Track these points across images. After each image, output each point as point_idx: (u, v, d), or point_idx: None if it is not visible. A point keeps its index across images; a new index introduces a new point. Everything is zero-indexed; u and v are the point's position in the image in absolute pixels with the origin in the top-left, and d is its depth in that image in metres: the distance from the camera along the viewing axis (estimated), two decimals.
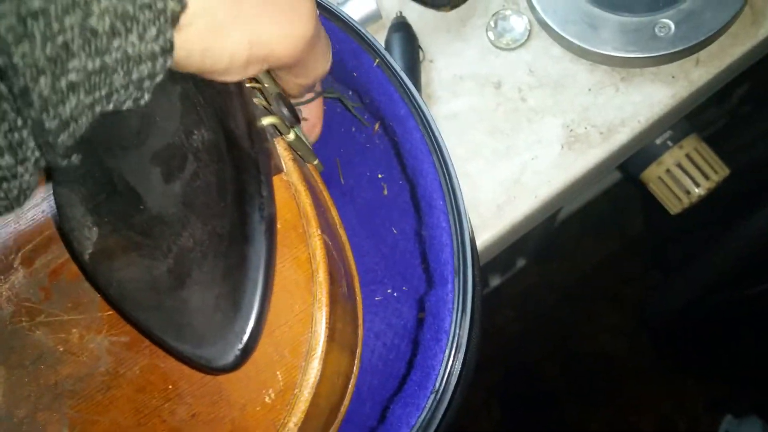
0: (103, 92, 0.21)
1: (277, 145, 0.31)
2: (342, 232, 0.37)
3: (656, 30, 0.49)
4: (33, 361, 0.32)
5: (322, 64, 0.30)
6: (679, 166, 0.66)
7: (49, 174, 0.30)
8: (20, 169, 0.21)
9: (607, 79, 0.51)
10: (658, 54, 0.49)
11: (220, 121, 0.27)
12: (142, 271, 0.27)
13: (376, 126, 0.39)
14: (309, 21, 0.26)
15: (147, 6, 0.21)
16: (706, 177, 0.66)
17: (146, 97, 0.23)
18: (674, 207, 0.67)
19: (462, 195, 0.31)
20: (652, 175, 0.66)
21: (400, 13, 0.52)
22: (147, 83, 0.22)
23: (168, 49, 0.22)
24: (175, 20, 0.22)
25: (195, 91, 0.28)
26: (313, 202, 0.31)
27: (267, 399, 0.28)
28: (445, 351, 0.30)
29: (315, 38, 0.27)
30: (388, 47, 0.50)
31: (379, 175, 0.39)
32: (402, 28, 0.50)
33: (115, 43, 0.21)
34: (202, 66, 0.24)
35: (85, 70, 0.20)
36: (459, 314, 0.30)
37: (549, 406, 1.03)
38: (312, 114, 0.35)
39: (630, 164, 0.66)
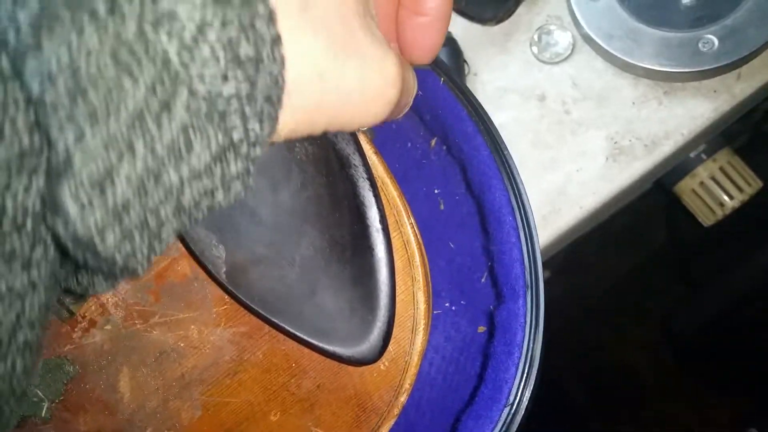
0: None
1: (361, 140, 0.33)
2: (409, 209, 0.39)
3: (700, 45, 0.49)
4: (156, 358, 0.34)
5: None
6: (713, 178, 0.66)
7: None
8: None
9: (651, 93, 0.51)
10: (702, 69, 0.49)
11: (328, 139, 0.29)
12: (275, 282, 0.30)
13: (432, 142, 0.39)
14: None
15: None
16: (740, 190, 0.66)
17: (230, 197, 0.21)
18: (707, 219, 0.68)
19: (532, 210, 0.32)
20: (686, 187, 0.66)
21: None
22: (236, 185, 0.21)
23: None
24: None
25: None
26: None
27: (382, 367, 0.33)
28: (518, 365, 0.30)
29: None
30: None
31: (435, 191, 0.39)
32: (447, 42, 0.51)
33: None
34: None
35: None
36: (532, 328, 0.30)
37: (572, 420, 1.03)
38: None
39: (664, 177, 0.66)
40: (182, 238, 0.32)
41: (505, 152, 0.33)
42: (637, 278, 0.99)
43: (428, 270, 0.35)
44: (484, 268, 0.35)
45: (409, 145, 0.40)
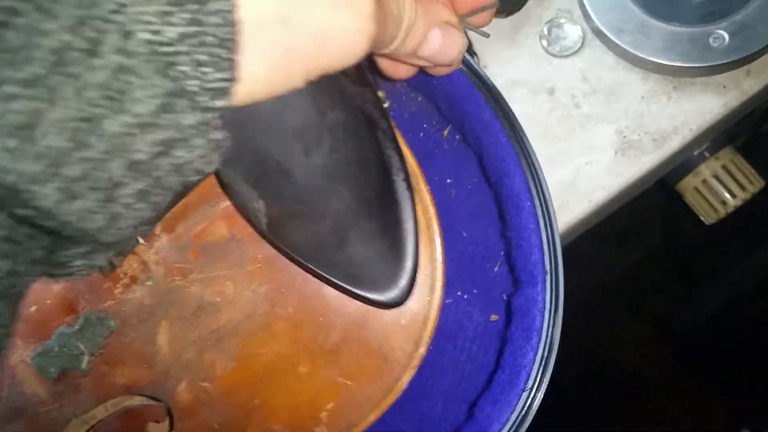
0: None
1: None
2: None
3: (710, 40, 0.49)
4: (193, 312, 0.36)
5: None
6: (716, 177, 0.66)
7: None
8: None
9: (660, 88, 0.51)
10: (712, 64, 0.49)
11: (357, 105, 0.30)
12: (309, 234, 0.32)
13: (445, 132, 0.39)
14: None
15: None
16: (743, 188, 0.66)
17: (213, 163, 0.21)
18: (709, 217, 0.68)
19: (551, 196, 0.32)
20: (689, 185, 0.66)
21: None
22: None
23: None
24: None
25: (324, 79, 0.30)
26: None
27: (402, 321, 0.35)
28: (537, 349, 0.30)
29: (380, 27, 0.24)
30: None
31: (448, 180, 0.39)
32: None
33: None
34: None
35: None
36: (551, 313, 0.30)
37: (573, 417, 1.03)
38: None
39: (666, 174, 0.67)
40: (227, 192, 0.33)
41: (524, 138, 0.33)
42: (637, 276, 1.00)
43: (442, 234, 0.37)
44: (498, 256, 0.35)
45: (422, 134, 0.40)
